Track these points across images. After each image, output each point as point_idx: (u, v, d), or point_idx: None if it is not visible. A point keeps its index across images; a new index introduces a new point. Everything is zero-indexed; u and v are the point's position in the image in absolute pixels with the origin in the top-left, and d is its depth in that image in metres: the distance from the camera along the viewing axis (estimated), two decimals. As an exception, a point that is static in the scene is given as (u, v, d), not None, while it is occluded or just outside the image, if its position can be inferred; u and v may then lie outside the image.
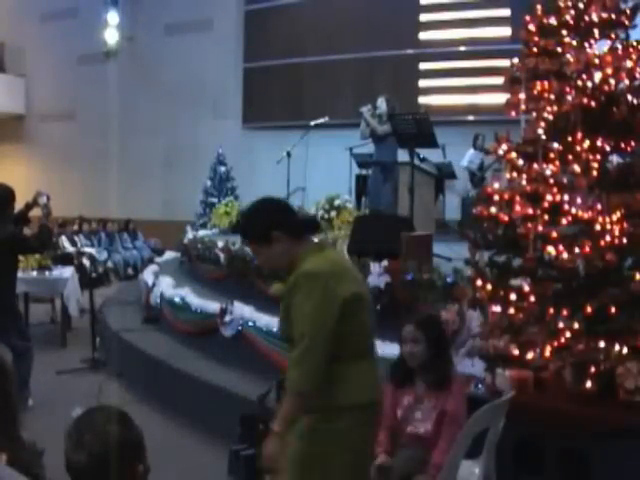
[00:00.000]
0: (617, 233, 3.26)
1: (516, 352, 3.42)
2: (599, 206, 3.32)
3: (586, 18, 3.58)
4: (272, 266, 2.68)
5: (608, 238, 3.25)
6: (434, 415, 3.04)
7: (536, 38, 3.71)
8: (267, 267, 2.72)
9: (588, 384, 3.24)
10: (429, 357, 3.10)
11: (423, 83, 12.26)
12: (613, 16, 3.56)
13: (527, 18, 3.74)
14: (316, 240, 2.72)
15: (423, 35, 12.24)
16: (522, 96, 3.65)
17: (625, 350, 3.20)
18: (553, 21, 3.67)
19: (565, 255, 3.32)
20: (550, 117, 3.55)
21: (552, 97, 3.57)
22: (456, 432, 2.89)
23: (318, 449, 2.48)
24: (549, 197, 3.40)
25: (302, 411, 2.47)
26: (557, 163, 3.51)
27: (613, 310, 3.24)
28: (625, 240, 3.27)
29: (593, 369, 3.24)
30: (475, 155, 9.79)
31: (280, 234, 2.55)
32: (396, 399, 3.17)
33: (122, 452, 1.64)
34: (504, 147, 3.68)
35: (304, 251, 2.56)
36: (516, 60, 3.76)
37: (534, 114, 3.67)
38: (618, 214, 3.30)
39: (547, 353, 3.33)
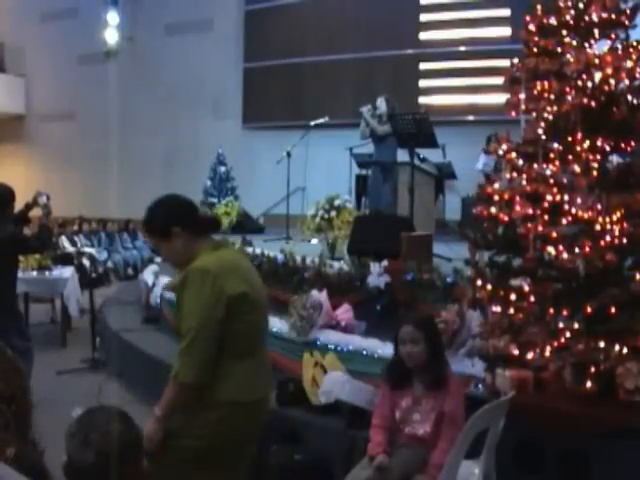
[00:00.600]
0: (617, 233, 3.25)
1: (516, 352, 3.42)
2: (599, 206, 3.32)
3: (586, 18, 3.58)
4: (173, 261, 2.75)
5: (608, 238, 3.25)
6: (432, 416, 3.03)
7: (536, 38, 3.70)
8: (169, 262, 2.80)
9: (588, 384, 3.24)
10: (427, 357, 3.10)
11: (423, 83, 12.26)
12: (613, 16, 3.56)
13: (527, 18, 3.73)
14: (216, 239, 2.78)
15: (423, 35, 12.24)
16: (522, 96, 3.64)
17: (625, 350, 3.20)
18: (553, 21, 3.66)
19: (565, 255, 3.31)
20: (550, 117, 3.55)
21: (552, 97, 3.57)
22: (455, 432, 2.89)
23: (190, 439, 2.52)
24: (549, 197, 3.39)
25: (185, 402, 2.52)
26: (557, 163, 3.51)
27: (613, 310, 3.23)
28: (625, 240, 3.26)
29: (593, 369, 3.23)
30: (489, 157, 9.73)
31: (179, 230, 2.64)
32: (394, 400, 3.16)
33: (128, 449, 1.66)
34: (504, 147, 3.68)
35: (200, 248, 2.64)
36: (516, 60, 3.75)
37: (534, 114, 3.67)
38: (618, 214, 3.30)
39: (547, 353, 3.33)
